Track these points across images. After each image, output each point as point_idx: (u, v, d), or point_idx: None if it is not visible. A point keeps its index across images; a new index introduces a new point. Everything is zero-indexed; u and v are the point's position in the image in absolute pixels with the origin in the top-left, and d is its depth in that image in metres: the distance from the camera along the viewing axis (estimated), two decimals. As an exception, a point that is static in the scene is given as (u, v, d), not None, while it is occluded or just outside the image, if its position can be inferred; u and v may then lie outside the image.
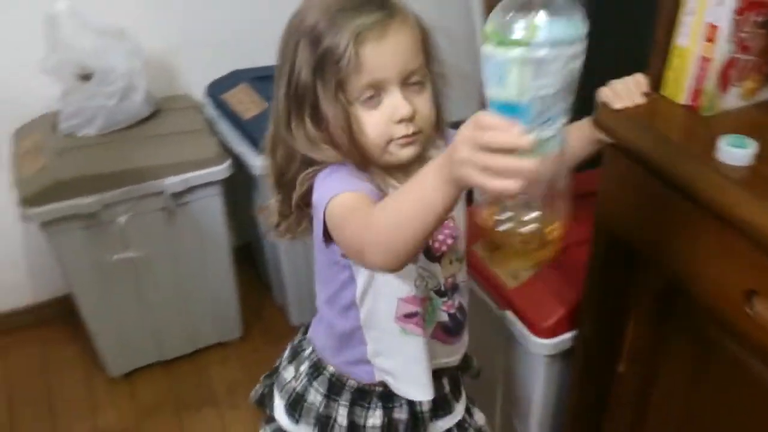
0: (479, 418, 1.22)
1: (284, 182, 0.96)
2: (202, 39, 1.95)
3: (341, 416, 1.08)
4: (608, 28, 1.98)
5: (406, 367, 1.04)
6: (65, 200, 1.62)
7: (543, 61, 0.56)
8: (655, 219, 0.95)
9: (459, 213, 1.02)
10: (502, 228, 0.61)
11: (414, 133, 0.89)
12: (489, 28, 0.59)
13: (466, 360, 1.24)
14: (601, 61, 2.14)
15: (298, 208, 0.96)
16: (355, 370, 1.07)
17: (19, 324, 2.13)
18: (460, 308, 1.07)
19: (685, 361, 1.02)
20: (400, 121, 0.87)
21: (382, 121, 0.88)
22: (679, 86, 0.94)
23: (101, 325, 1.87)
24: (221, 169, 1.74)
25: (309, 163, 0.93)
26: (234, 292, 1.98)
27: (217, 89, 1.92)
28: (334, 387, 1.08)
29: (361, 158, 0.90)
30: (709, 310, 0.92)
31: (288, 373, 1.14)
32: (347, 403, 1.08)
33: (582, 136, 1.01)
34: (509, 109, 0.58)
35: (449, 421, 1.15)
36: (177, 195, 1.73)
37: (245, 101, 1.82)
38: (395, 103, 0.87)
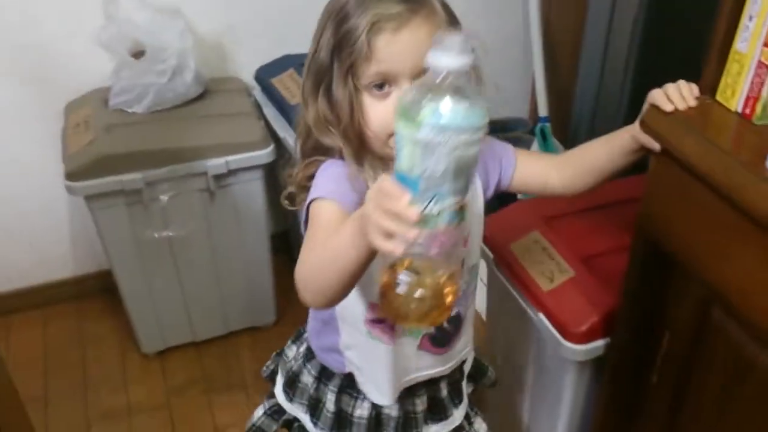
0: (480, 427, 1.22)
1: (302, 155, 0.98)
2: (254, 22, 1.97)
3: (329, 401, 1.11)
4: (665, 30, 1.97)
5: (371, 368, 1.06)
6: (110, 175, 1.65)
7: (430, 144, 0.60)
8: (700, 228, 0.92)
9: (470, 218, 1.01)
10: (398, 290, 0.65)
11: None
12: (399, 103, 0.63)
13: (479, 367, 1.24)
14: (656, 64, 2.12)
15: (302, 187, 0.97)
16: (328, 357, 1.09)
17: (60, 296, 2.18)
18: (452, 318, 1.06)
19: (719, 376, 0.99)
20: None
21: (386, 113, 0.86)
22: (734, 93, 0.91)
23: (138, 302, 1.90)
24: (264, 154, 1.75)
25: (318, 147, 0.94)
26: (270, 277, 1.99)
27: (265, 73, 1.93)
28: (325, 371, 1.11)
29: (360, 146, 0.91)
30: (750, 324, 0.89)
31: (290, 351, 1.18)
32: (335, 389, 1.10)
33: (615, 147, 1.01)
34: (403, 180, 0.63)
35: (444, 426, 1.15)
36: (219, 177, 1.74)
37: (292, 87, 1.82)
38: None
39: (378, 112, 0.89)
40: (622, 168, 1.02)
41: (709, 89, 0.95)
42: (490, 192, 1.07)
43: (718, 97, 0.94)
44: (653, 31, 2.02)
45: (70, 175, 1.64)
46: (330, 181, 0.90)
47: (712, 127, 0.91)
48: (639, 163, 1.01)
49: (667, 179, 0.96)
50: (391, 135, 0.86)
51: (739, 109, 0.91)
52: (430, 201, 0.63)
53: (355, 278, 0.77)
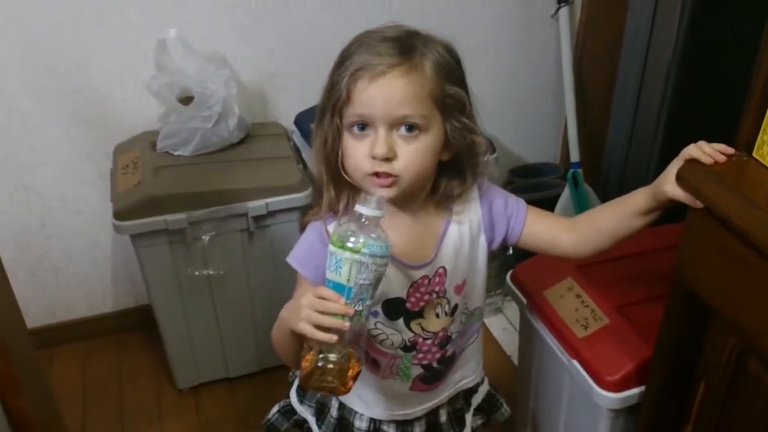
0: None
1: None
2: (294, 70, 2.03)
3: (333, 408, 1.17)
4: (698, 79, 1.99)
5: (361, 390, 1.12)
6: (156, 216, 1.70)
7: (363, 264, 0.85)
8: (736, 280, 0.94)
9: (468, 268, 1.09)
10: (319, 364, 0.87)
11: (389, 175, 0.94)
12: (334, 235, 0.87)
13: (492, 402, 1.27)
14: (688, 113, 2.14)
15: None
16: None
17: (100, 330, 2.23)
18: (443, 358, 1.12)
19: (755, 428, 0.99)
20: (374, 158, 0.93)
21: (361, 153, 0.94)
22: (771, 150, 0.93)
23: (175, 338, 1.94)
24: (302, 196, 1.78)
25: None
26: (303, 317, 2.01)
27: (304, 118, 1.97)
28: None
29: (338, 178, 0.99)
30: (785, 377, 0.91)
31: None
32: (339, 398, 1.17)
33: (627, 208, 1.03)
34: (339, 288, 0.86)
35: None
36: (258, 218, 1.79)
37: (330, 132, 1.87)
38: (375, 140, 0.93)
39: (354, 151, 0.96)
40: (635, 230, 1.03)
41: (745, 146, 0.97)
42: (495, 245, 1.11)
43: (755, 154, 0.95)
44: (685, 80, 2.05)
45: (119, 215, 1.69)
46: (306, 249, 1.05)
47: (748, 183, 0.93)
48: (668, 213, 1.02)
49: (703, 232, 0.97)
50: (363, 174, 0.95)
51: (775, 167, 0.93)
52: (359, 302, 0.86)
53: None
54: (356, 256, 0.84)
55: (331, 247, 0.86)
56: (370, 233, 0.86)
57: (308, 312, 0.86)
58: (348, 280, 0.85)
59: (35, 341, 1.43)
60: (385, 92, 0.91)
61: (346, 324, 0.85)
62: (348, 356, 0.88)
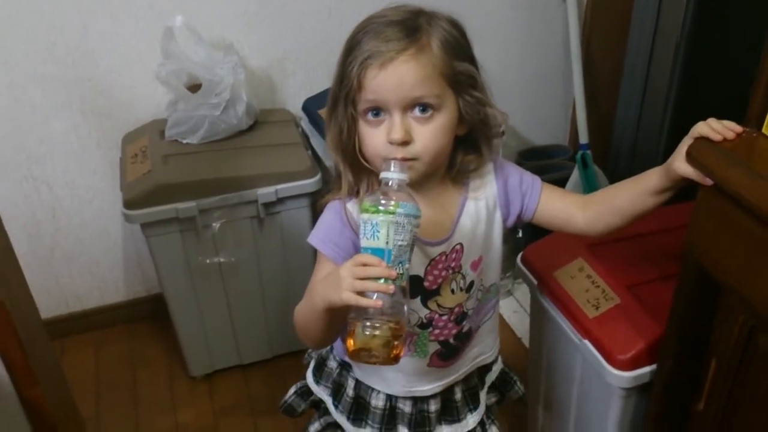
0: None
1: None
2: (302, 56, 2.03)
3: (350, 387, 1.19)
4: (706, 59, 1.98)
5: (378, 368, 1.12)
6: (166, 204, 1.71)
7: (400, 224, 0.85)
8: (746, 257, 0.94)
9: (484, 245, 1.09)
10: (366, 332, 0.85)
11: (409, 159, 0.94)
12: (365, 203, 0.87)
13: (506, 380, 1.28)
14: (696, 93, 2.13)
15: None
16: (338, 344, 1.18)
17: (112, 320, 2.25)
18: (459, 335, 1.13)
19: (767, 403, 1.00)
20: (392, 143, 0.94)
21: (379, 139, 0.95)
22: (780, 126, 0.93)
23: (187, 326, 1.95)
24: (312, 182, 1.79)
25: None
26: (314, 302, 2.02)
27: (312, 104, 1.97)
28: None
29: (357, 167, 1.00)
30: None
31: None
32: (355, 377, 1.18)
33: (640, 187, 1.03)
34: (379, 253, 0.86)
35: (457, 429, 1.21)
36: (268, 204, 1.79)
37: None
38: (391, 126, 0.94)
39: (372, 138, 0.96)
40: (648, 209, 1.04)
41: (756, 122, 0.96)
42: (510, 222, 1.12)
43: (765, 130, 0.95)
44: (694, 59, 2.04)
45: (129, 204, 1.71)
46: (326, 228, 1.04)
47: (758, 159, 0.93)
48: (681, 192, 1.03)
49: (713, 209, 0.97)
50: (383, 159, 0.94)
51: (786, 142, 0.93)
52: (399, 265, 0.86)
53: (334, 328, 0.97)
54: (392, 218, 0.85)
55: (365, 215, 0.86)
56: (400, 195, 0.87)
57: (351, 281, 0.85)
58: (387, 242, 0.85)
59: (48, 331, 1.44)
60: (396, 77, 0.92)
61: (391, 287, 0.84)
62: (392, 326, 0.86)
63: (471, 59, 0.99)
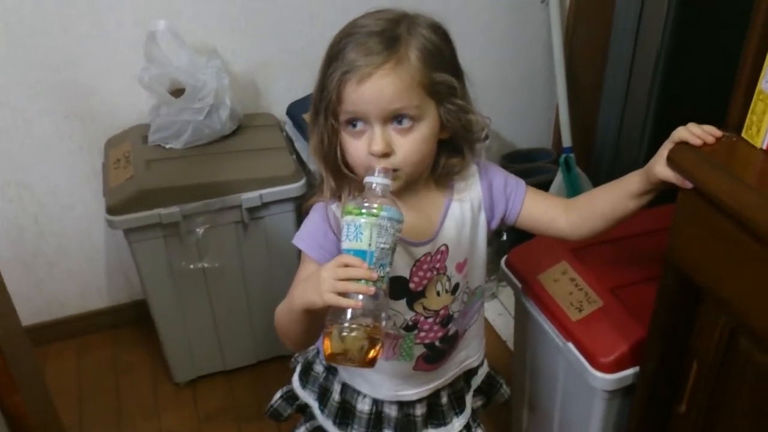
0: None
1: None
2: (285, 60, 2.03)
3: (335, 392, 1.19)
4: (687, 63, 2.00)
5: (364, 372, 1.13)
6: (149, 209, 1.70)
7: (383, 227, 0.86)
8: (726, 260, 0.95)
9: (469, 247, 1.10)
10: (343, 334, 0.86)
11: (390, 170, 0.95)
12: (350, 205, 0.88)
13: (492, 384, 1.28)
14: (677, 98, 2.15)
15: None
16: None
17: (95, 326, 2.23)
18: (445, 338, 1.13)
19: (748, 406, 1.01)
20: (373, 155, 0.94)
21: (361, 150, 0.96)
22: (759, 131, 0.94)
23: (171, 332, 1.94)
24: (296, 187, 1.79)
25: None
26: (299, 307, 2.02)
27: (296, 109, 1.97)
28: None
29: (339, 176, 1.01)
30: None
31: None
32: (341, 382, 1.18)
33: (622, 191, 1.04)
34: (361, 254, 0.86)
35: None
36: (253, 209, 1.79)
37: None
38: (371, 137, 0.94)
39: (354, 149, 0.97)
40: (630, 212, 1.05)
41: (735, 126, 0.98)
42: (494, 224, 1.12)
43: (744, 135, 0.96)
44: (675, 63, 2.06)
45: (111, 210, 1.69)
46: (311, 229, 1.04)
47: (738, 163, 0.94)
48: (663, 195, 1.04)
49: (694, 213, 0.98)
50: (365, 169, 0.95)
51: (765, 146, 0.94)
52: (380, 268, 0.87)
53: (314, 330, 0.98)
54: (376, 220, 0.86)
55: (348, 217, 0.87)
56: (383, 199, 0.89)
57: (332, 281, 0.85)
58: (369, 244, 0.86)
59: (30, 338, 1.43)
60: (374, 92, 0.92)
61: (372, 289, 0.85)
62: (370, 328, 0.87)
63: (452, 66, 0.99)
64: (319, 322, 0.91)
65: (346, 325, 0.86)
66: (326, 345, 0.87)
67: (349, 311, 0.86)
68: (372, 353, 0.87)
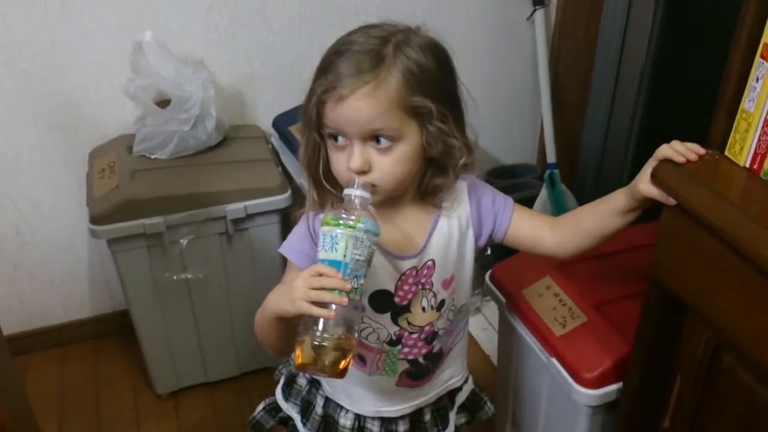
0: None
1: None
2: (272, 72, 2.02)
3: (318, 406, 1.19)
4: (671, 80, 2.02)
5: (346, 386, 1.13)
6: (133, 220, 1.69)
7: (359, 239, 0.87)
8: (709, 276, 0.96)
9: (456, 263, 1.09)
10: (315, 343, 0.86)
11: (371, 184, 0.95)
12: (327, 216, 0.89)
13: (476, 401, 1.28)
14: (662, 114, 2.17)
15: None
16: None
17: (77, 336, 2.20)
18: (429, 354, 1.13)
19: (730, 421, 1.01)
20: (352, 171, 0.95)
21: (343, 164, 0.97)
22: (743, 149, 0.95)
23: (153, 343, 1.92)
24: (281, 199, 1.79)
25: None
26: (282, 320, 2.01)
27: (283, 121, 1.97)
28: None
29: (321, 184, 1.02)
30: (760, 370, 0.93)
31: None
32: (324, 395, 1.18)
33: (607, 209, 1.05)
34: (336, 265, 0.87)
35: None
36: (237, 221, 1.78)
37: (309, 135, 1.88)
38: (351, 154, 0.95)
39: (336, 162, 0.98)
40: (616, 229, 1.06)
41: (718, 144, 0.99)
42: (482, 241, 1.12)
43: (727, 153, 0.98)
44: (659, 81, 2.08)
45: (95, 219, 1.68)
46: (298, 238, 1.05)
47: (721, 181, 0.95)
48: (647, 212, 1.04)
49: (677, 229, 0.99)
50: (346, 182, 0.96)
51: (747, 165, 0.95)
52: (354, 279, 0.88)
53: (288, 339, 0.94)
54: (352, 231, 0.87)
55: (325, 227, 0.88)
56: (362, 212, 0.89)
57: (305, 290, 0.86)
58: (344, 255, 0.86)
59: (11, 348, 1.42)
60: (352, 113, 0.92)
61: (345, 299, 0.86)
62: (342, 339, 0.87)
63: (441, 88, 0.98)
64: (293, 330, 0.91)
65: (318, 334, 0.86)
66: (297, 354, 0.87)
67: (322, 321, 0.86)
68: (343, 364, 0.88)
